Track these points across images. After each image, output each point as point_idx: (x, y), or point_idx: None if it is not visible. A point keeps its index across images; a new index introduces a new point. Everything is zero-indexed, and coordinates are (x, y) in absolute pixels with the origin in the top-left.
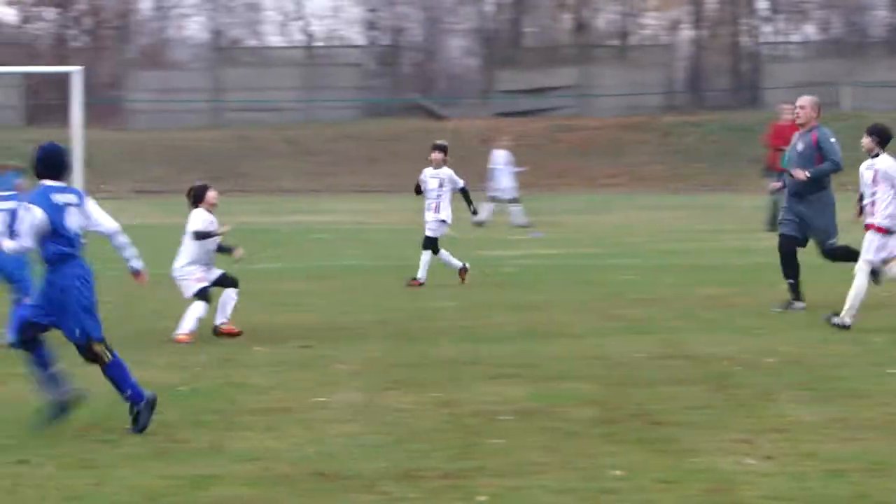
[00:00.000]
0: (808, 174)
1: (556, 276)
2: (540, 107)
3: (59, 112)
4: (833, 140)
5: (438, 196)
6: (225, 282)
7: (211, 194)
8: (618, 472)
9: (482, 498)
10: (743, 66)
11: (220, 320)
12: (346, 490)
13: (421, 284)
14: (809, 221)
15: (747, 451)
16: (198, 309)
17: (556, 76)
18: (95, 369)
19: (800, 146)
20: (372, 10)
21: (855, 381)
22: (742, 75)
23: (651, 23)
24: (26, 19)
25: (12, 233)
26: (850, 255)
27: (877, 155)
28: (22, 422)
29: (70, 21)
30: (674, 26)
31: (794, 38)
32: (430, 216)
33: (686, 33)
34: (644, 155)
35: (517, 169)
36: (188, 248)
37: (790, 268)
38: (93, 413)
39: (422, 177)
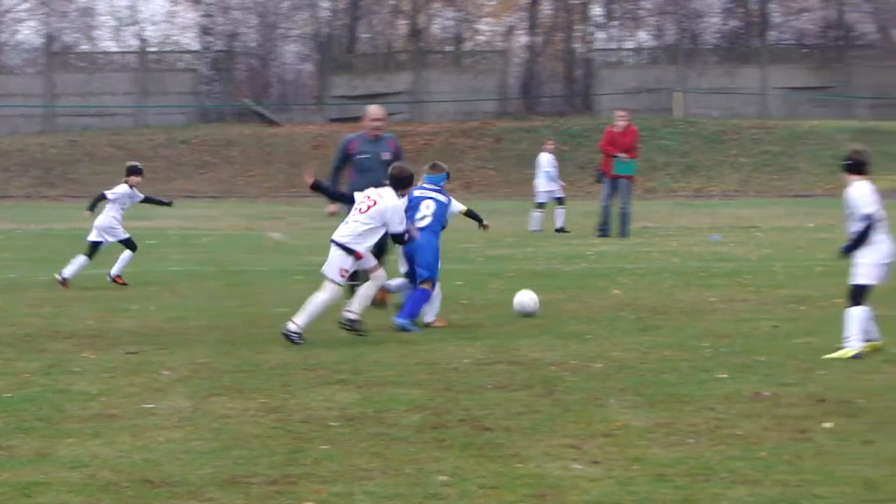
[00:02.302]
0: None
1: None
2: None
3: None
4: None
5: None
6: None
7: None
8: (443, 478)
9: None
10: (576, 73)
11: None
12: (171, 497)
13: (125, 284)
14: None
15: (574, 456)
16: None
17: (390, 82)
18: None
19: (385, 155)
20: (206, 16)
21: (681, 386)
22: (575, 81)
23: (486, 29)
24: None
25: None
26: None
27: None
28: None
29: None
30: (509, 32)
31: (628, 44)
32: (122, 233)
33: (520, 39)
34: (476, 160)
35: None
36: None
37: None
38: None
39: (127, 194)
